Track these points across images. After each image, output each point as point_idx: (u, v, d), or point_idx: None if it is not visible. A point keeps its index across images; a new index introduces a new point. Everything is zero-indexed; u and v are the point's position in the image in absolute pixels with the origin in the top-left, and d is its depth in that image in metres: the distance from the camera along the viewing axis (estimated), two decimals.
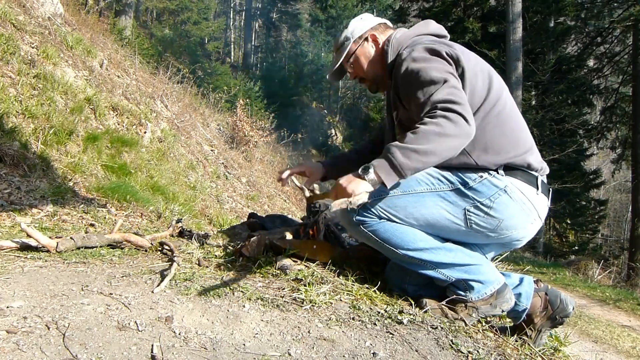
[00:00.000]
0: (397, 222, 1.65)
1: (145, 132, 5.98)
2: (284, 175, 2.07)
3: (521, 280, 1.76)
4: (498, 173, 1.59)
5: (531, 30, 14.88)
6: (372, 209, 1.65)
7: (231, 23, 35.24)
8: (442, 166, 1.62)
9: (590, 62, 15.97)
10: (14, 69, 4.37)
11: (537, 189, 1.63)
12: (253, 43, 33.63)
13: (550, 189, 1.72)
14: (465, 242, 1.70)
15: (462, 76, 1.58)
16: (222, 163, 8.81)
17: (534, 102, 15.70)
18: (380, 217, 1.65)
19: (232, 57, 34.33)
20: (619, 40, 14.16)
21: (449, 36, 1.84)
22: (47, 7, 6.21)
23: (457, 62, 1.58)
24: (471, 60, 1.64)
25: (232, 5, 35.56)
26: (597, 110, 16.16)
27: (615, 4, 13.64)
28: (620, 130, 14.72)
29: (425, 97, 1.51)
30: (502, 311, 1.64)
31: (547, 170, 1.70)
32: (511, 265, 4.60)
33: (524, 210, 1.61)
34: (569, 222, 16.95)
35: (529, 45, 14.92)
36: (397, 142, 1.44)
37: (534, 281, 1.78)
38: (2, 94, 3.92)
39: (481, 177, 1.59)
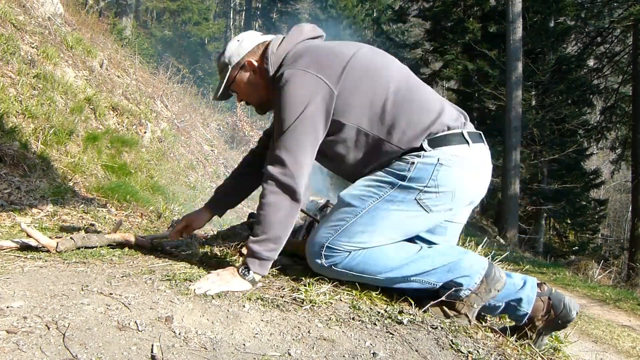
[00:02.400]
0: (366, 248, 1.63)
1: (145, 132, 5.98)
2: (173, 235, 2.11)
3: (524, 282, 1.72)
4: (426, 151, 1.60)
5: (531, 30, 14.88)
6: (337, 248, 1.63)
7: (231, 23, 35.19)
8: (372, 168, 1.67)
9: (590, 62, 15.97)
10: (14, 69, 4.37)
11: (467, 143, 1.64)
12: None
13: (481, 133, 1.73)
14: (444, 229, 1.74)
15: (342, 85, 1.62)
16: (222, 163, 8.80)
17: (534, 102, 15.69)
18: (348, 251, 1.64)
19: None
20: (619, 40, 14.16)
21: (324, 35, 1.85)
22: (47, 7, 6.21)
23: (336, 81, 1.61)
24: (354, 66, 1.65)
25: (232, 5, 35.51)
26: (597, 110, 16.15)
27: (615, 4, 13.63)
28: (620, 130, 14.72)
29: (276, 133, 1.63)
30: (498, 290, 1.64)
31: (468, 119, 1.72)
32: (511, 265, 4.60)
33: (466, 169, 1.63)
34: (569, 222, 16.94)
35: (529, 45, 14.92)
36: (252, 238, 1.63)
37: (538, 284, 1.74)
38: (2, 94, 3.92)
39: (412, 164, 1.60)
